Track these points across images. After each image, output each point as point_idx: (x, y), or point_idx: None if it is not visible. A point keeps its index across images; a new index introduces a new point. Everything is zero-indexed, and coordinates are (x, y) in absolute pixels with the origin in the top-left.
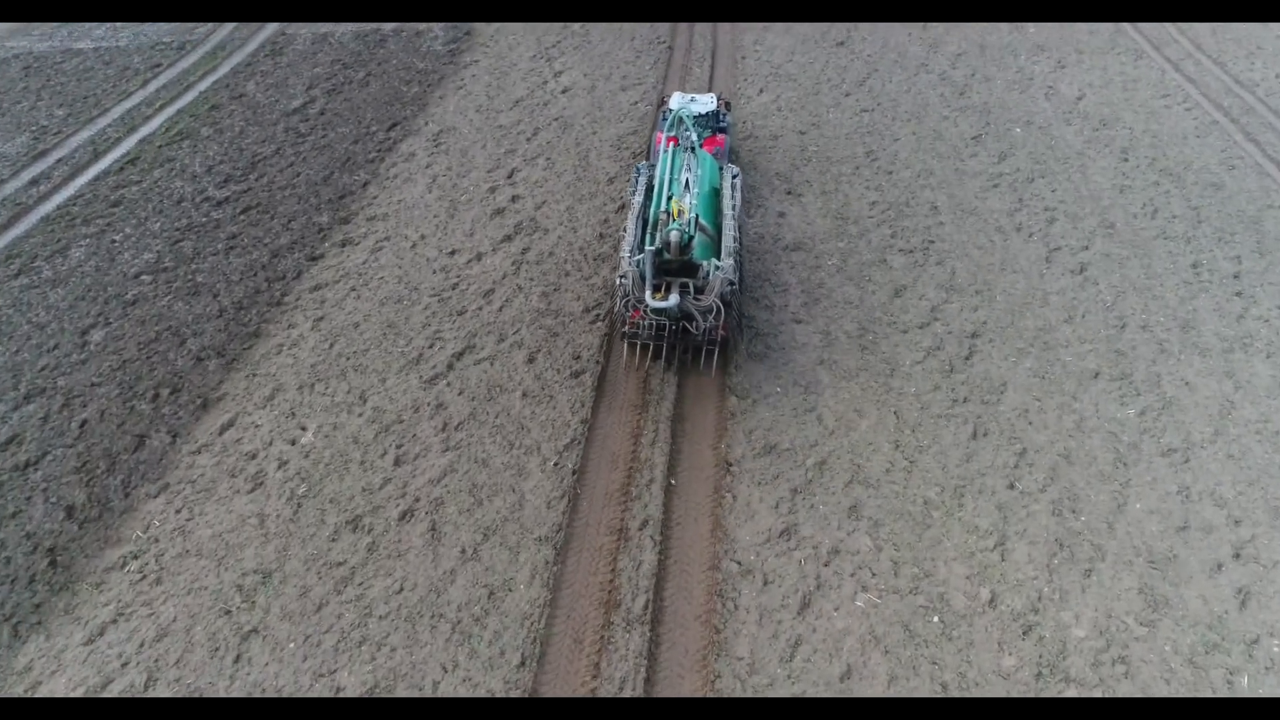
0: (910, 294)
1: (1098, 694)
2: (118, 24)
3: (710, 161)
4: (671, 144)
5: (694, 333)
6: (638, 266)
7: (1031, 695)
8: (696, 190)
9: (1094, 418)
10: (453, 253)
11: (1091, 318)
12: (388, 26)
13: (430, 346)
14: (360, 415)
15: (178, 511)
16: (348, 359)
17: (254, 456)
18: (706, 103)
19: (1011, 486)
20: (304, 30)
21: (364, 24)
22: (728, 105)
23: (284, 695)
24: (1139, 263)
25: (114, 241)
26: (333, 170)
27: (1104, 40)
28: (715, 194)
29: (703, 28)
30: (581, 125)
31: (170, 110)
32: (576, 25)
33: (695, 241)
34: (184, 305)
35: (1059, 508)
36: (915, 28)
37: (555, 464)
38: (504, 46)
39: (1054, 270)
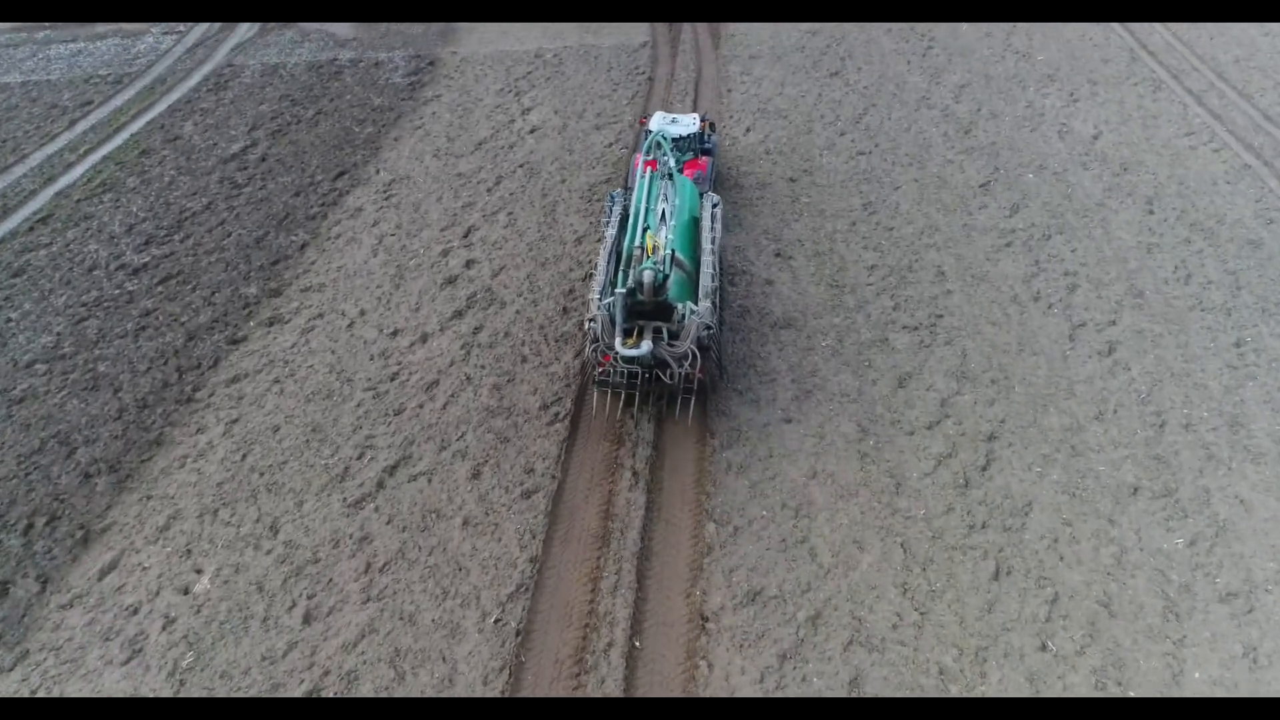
0: (916, 383)
1: None
2: (50, 54)
3: (690, 189)
4: (650, 169)
5: (668, 381)
6: (608, 310)
7: None
8: (674, 222)
9: (1136, 549)
10: (395, 333)
11: (1125, 413)
12: (344, 56)
13: (359, 457)
14: (269, 553)
15: (34, 690)
16: (261, 475)
17: (135, 612)
18: (689, 124)
19: (1043, 648)
20: (253, 61)
21: (319, 55)
22: (712, 126)
23: None
24: (1174, 341)
25: (9, 321)
26: (268, 229)
27: (1119, 70)
28: (695, 223)
29: (685, 57)
30: (549, 172)
31: (95, 157)
32: (549, 54)
33: (671, 280)
34: (79, 403)
35: (1101, 678)
36: (915, 56)
37: (496, 620)
38: (469, 78)
39: (1079, 351)
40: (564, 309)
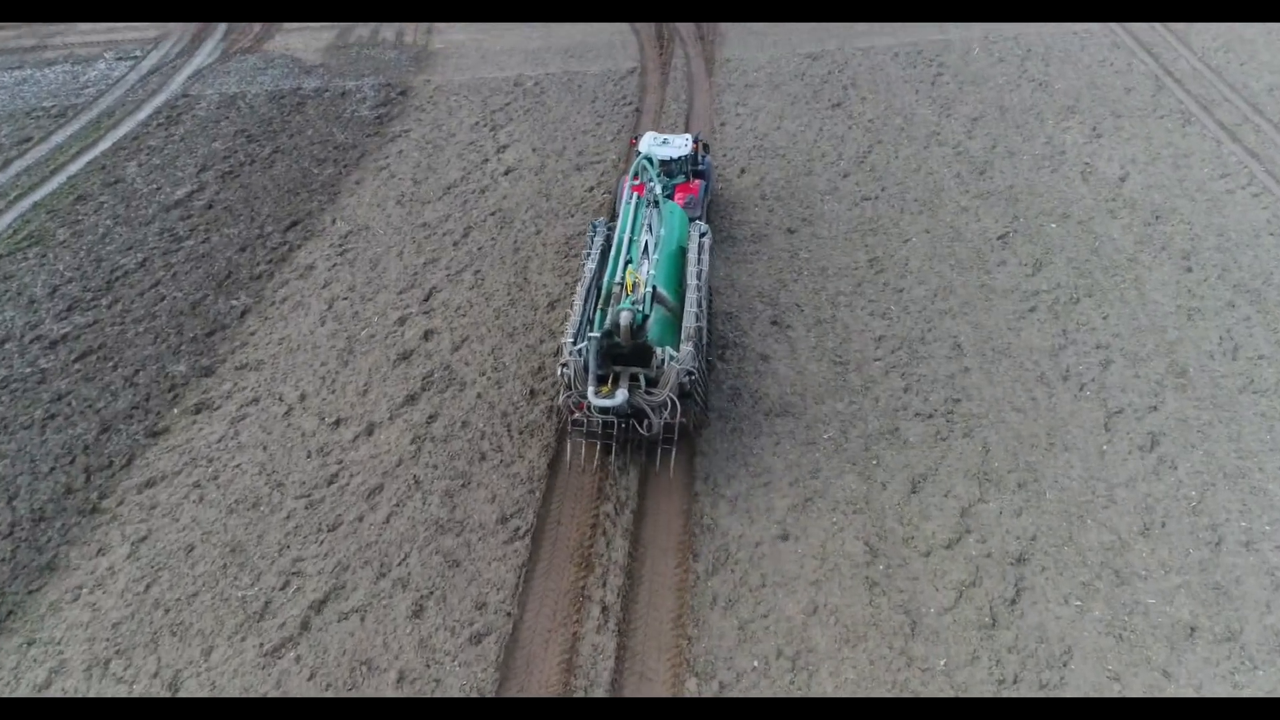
0: (932, 487)
1: None
2: None
3: (679, 217)
4: (637, 194)
5: (644, 433)
6: (581, 355)
7: None
8: (658, 254)
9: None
10: (338, 423)
11: (1174, 526)
12: (309, 84)
13: (283, 587)
14: None
15: None
16: (167, 612)
17: None
18: (681, 144)
19: None
20: (210, 91)
21: (282, 83)
22: (705, 146)
23: None
24: (1225, 431)
25: None
26: (207, 292)
27: (1144, 100)
28: (683, 254)
29: (676, 86)
30: (523, 221)
31: (25, 204)
32: (530, 82)
33: (651, 320)
34: None
35: None
36: (924, 84)
37: None
38: (442, 110)
39: (1117, 446)
40: (531, 391)
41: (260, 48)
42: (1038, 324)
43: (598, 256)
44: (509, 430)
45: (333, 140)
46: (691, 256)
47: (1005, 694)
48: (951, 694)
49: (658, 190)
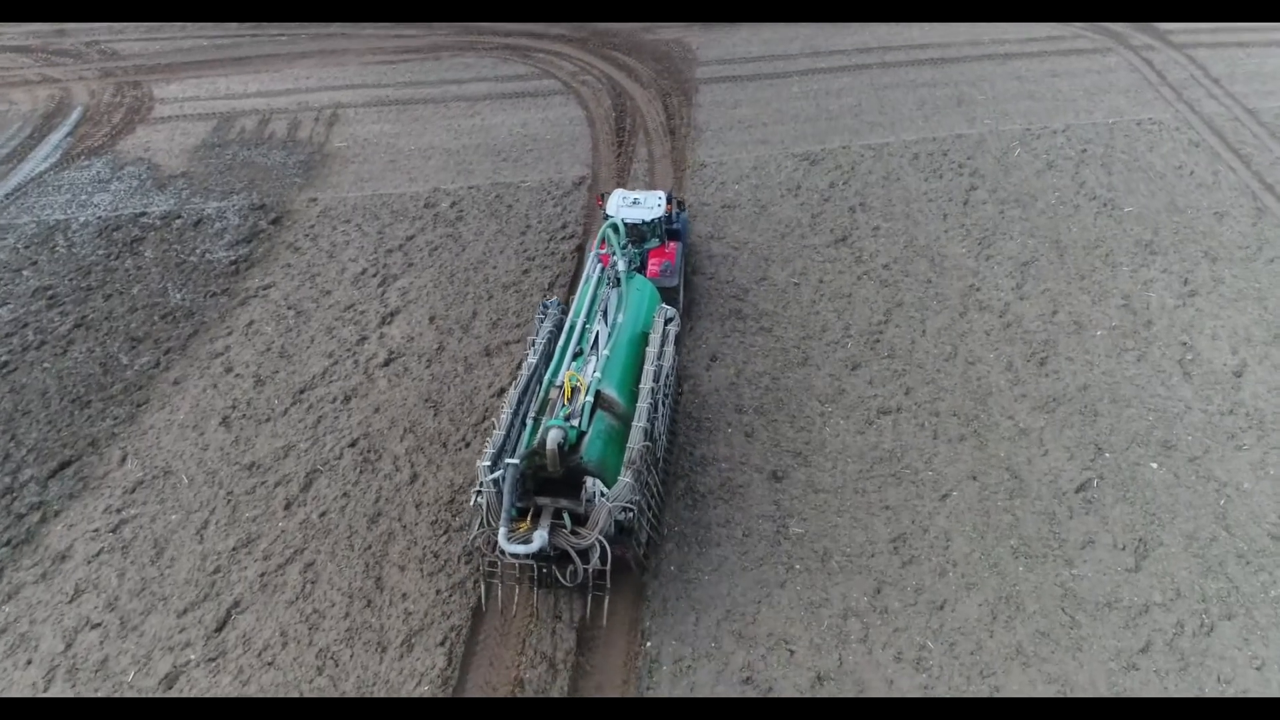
0: None
1: None
2: None
3: (648, 295)
4: (602, 266)
5: (567, 583)
6: (496, 484)
7: None
8: (611, 347)
9: None
10: None
11: None
12: (159, 207)
13: None
14: None
15: None
16: None
17: None
18: (653, 205)
19: None
20: (26, 218)
21: (123, 205)
22: (680, 205)
23: None
24: None
25: None
26: None
27: (1243, 233)
28: (643, 340)
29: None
30: (395, 459)
31: None
32: (446, 202)
33: (592, 435)
34: None
35: None
36: (953, 204)
37: None
38: (322, 249)
39: None
40: None
41: (113, 146)
42: (1155, 674)
43: (542, 348)
44: None
45: (164, 304)
46: (651, 351)
47: None
48: None
49: (620, 267)
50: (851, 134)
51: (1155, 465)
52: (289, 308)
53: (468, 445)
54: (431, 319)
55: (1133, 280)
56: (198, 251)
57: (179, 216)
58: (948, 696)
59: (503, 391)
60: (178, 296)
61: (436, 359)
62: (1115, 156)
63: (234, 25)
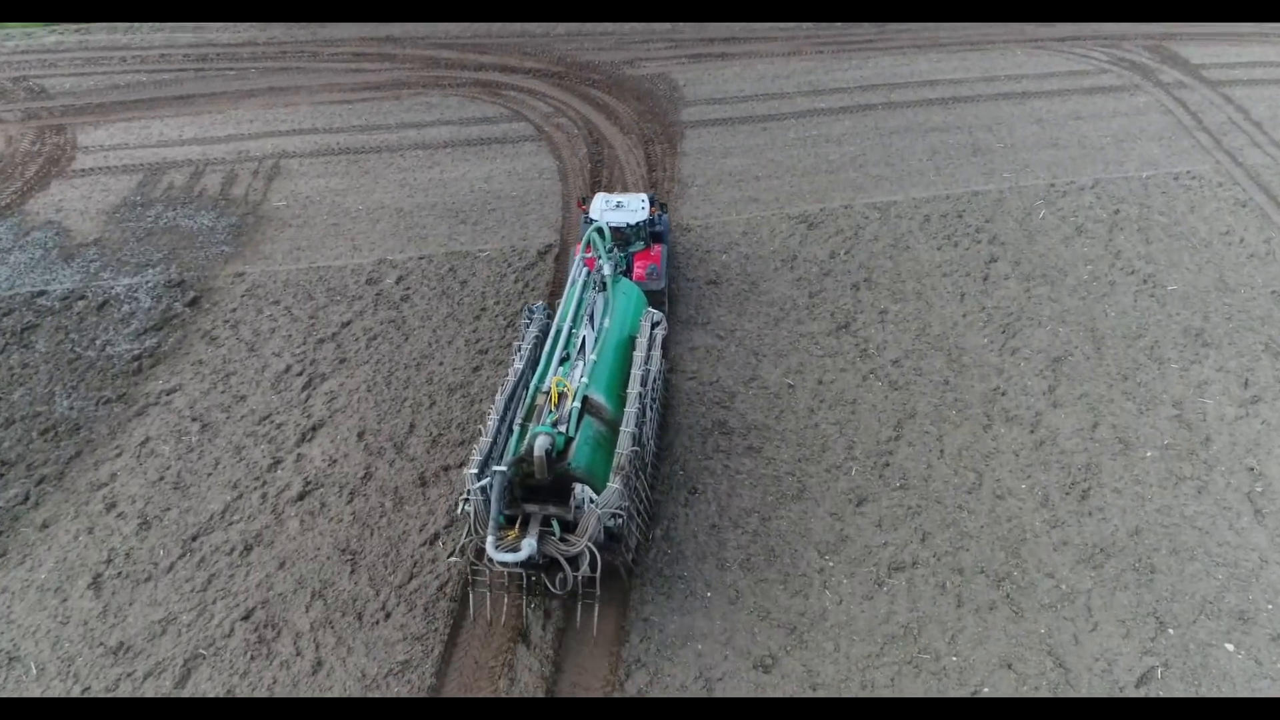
0: None
1: None
2: None
3: (635, 298)
4: (588, 269)
5: (556, 591)
6: (483, 492)
7: None
8: (597, 352)
9: None
10: None
11: None
12: (61, 284)
13: None
14: None
15: None
16: None
17: None
18: (637, 208)
19: None
20: None
21: (21, 281)
22: (662, 207)
23: None
24: None
25: None
26: None
27: None
28: (631, 344)
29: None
30: (298, 634)
31: None
32: (391, 278)
33: (579, 441)
34: None
35: None
36: (972, 281)
37: None
38: (242, 338)
39: None
40: None
41: (22, 205)
42: None
43: (528, 353)
44: None
45: (47, 414)
46: (639, 355)
47: None
48: None
49: (606, 270)
50: (854, 190)
51: (1231, 647)
52: (194, 419)
53: (388, 617)
54: (360, 435)
55: (1184, 382)
56: (97, 344)
57: (82, 297)
58: None
59: (434, 539)
60: (65, 404)
61: (361, 490)
62: (1153, 219)
63: (179, 58)
